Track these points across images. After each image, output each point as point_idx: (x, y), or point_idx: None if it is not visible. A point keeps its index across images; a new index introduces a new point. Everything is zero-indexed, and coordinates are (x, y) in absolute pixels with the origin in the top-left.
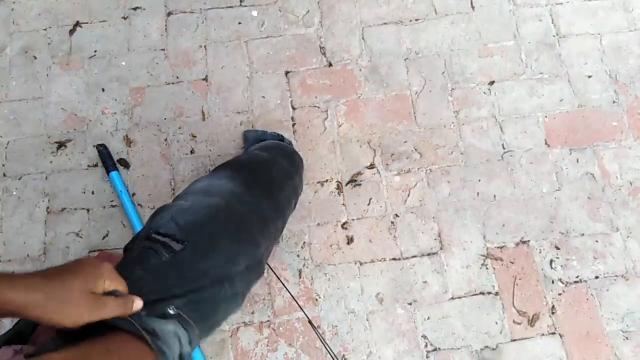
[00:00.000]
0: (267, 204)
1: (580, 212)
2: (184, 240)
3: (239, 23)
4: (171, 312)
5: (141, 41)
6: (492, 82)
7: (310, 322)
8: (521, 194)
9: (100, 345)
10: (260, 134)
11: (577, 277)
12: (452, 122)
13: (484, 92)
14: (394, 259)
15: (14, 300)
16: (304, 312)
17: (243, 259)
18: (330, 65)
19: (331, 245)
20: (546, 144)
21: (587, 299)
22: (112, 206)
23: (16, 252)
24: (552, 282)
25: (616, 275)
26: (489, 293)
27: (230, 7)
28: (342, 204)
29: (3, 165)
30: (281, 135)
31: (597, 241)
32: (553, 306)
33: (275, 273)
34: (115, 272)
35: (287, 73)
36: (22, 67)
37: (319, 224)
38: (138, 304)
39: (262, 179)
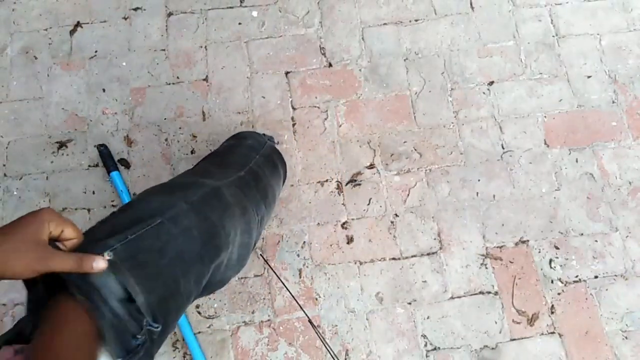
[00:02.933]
0: (206, 167)
1: (580, 212)
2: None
3: (239, 23)
4: (107, 257)
5: (142, 41)
6: (491, 83)
7: (310, 321)
8: (520, 193)
9: (47, 327)
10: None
11: (577, 276)
12: (452, 122)
13: (484, 93)
14: (393, 258)
15: None
16: (304, 311)
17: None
18: (330, 65)
19: (331, 245)
20: (545, 144)
21: (587, 299)
22: (113, 206)
23: None
24: (552, 281)
25: (615, 275)
26: (489, 293)
27: (230, 7)
28: (342, 204)
29: (4, 165)
30: (264, 134)
31: (596, 241)
32: (552, 306)
33: (275, 273)
34: (58, 215)
35: (287, 73)
36: (22, 67)
37: (319, 223)
38: (99, 263)
39: (204, 158)
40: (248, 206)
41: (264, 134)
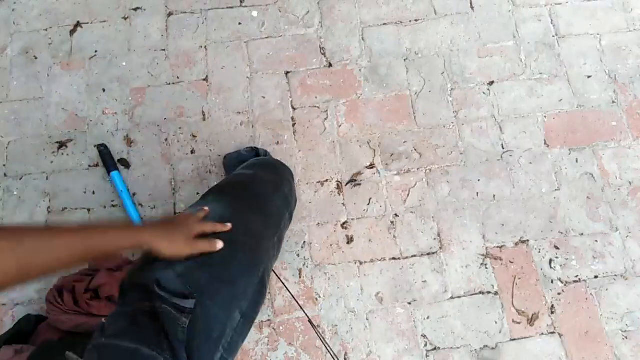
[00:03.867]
0: (257, 221)
1: (580, 212)
2: (190, 293)
3: (240, 24)
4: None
5: (142, 41)
6: (491, 83)
7: (310, 321)
8: (520, 193)
9: None
10: (236, 155)
11: (577, 276)
12: (452, 122)
13: (484, 93)
14: (393, 258)
15: (144, 242)
16: (304, 311)
17: (243, 282)
18: (330, 65)
19: (331, 245)
20: (545, 144)
21: (587, 299)
22: (113, 206)
23: None
24: (552, 281)
25: (615, 275)
26: (489, 293)
27: (230, 7)
28: (342, 204)
29: (4, 165)
30: (255, 148)
31: (596, 241)
32: (552, 306)
33: (275, 273)
34: (201, 221)
35: (287, 73)
36: (23, 67)
37: (319, 223)
38: (219, 244)
39: (247, 197)
40: (267, 283)
41: (256, 149)
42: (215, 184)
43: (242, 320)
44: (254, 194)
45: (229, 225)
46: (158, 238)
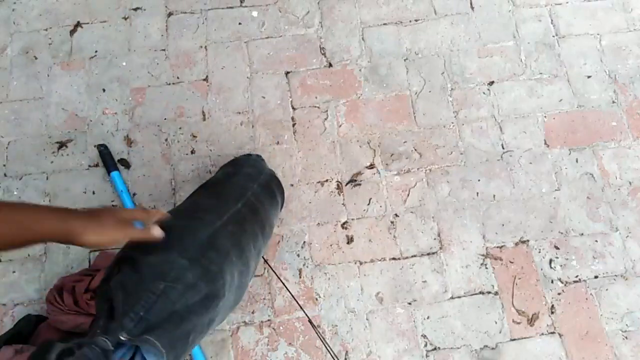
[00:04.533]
0: (211, 198)
1: (580, 212)
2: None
3: (240, 24)
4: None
5: (142, 41)
6: (491, 83)
7: (310, 321)
8: (520, 193)
9: None
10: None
11: (577, 276)
12: (452, 122)
13: (484, 93)
14: (393, 258)
15: (72, 227)
16: (304, 311)
17: (184, 243)
18: (330, 65)
19: (331, 245)
20: (545, 144)
21: (587, 299)
22: (113, 206)
23: (17, 252)
24: (552, 281)
25: (615, 275)
26: (489, 293)
27: (230, 7)
28: (342, 204)
29: (4, 165)
30: (249, 154)
31: (596, 241)
32: (552, 306)
33: (275, 273)
34: (137, 210)
35: (287, 73)
36: (23, 67)
37: (319, 223)
38: (156, 231)
39: (204, 187)
40: (245, 245)
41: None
42: None
43: (189, 263)
44: (209, 184)
45: (163, 211)
46: (86, 224)
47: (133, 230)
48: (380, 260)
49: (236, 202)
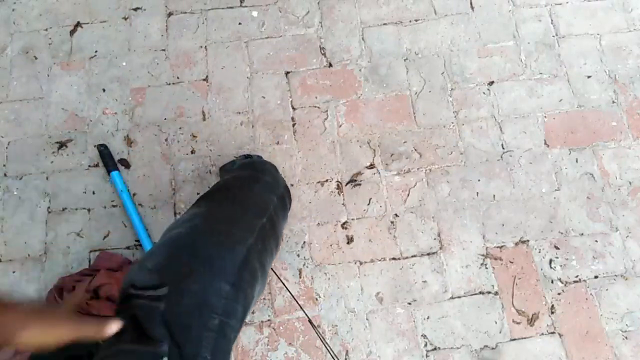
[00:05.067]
0: (233, 209)
1: (580, 212)
2: (161, 283)
3: (240, 24)
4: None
5: (142, 41)
6: (491, 83)
7: (310, 321)
8: (520, 193)
9: None
10: (230, 165)
11: (577, 276)
12: (452, 122)
13: (484, 93)
14: (393, 258)
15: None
16: (304, 311)
17: (220, 261)
18: (330, 65)
19: (331, 245)
20: (545, 144)
21: (587, 299)
22: (113, 206)
23: (17, 252)
24: (552, 281)
25: (615, 275)
26: (489, 293)
27: (230, 7)
28: (342, 204)
29: (4, 165)
30: (249, 156)
31: (596, 241)
32: (552, 306)
33: (275, 273)
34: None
35: (287, 73)
36: (23, 67)
37: (319, 223)
38: (112, 326)
39: (224, 195)
40: (266, 264)
41: (249, 155)
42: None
43: (232, 289)
44: (230, 189)
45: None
46: (24, 320)
47: (88, 323)
48: (380, 260)
49: (261, 216)
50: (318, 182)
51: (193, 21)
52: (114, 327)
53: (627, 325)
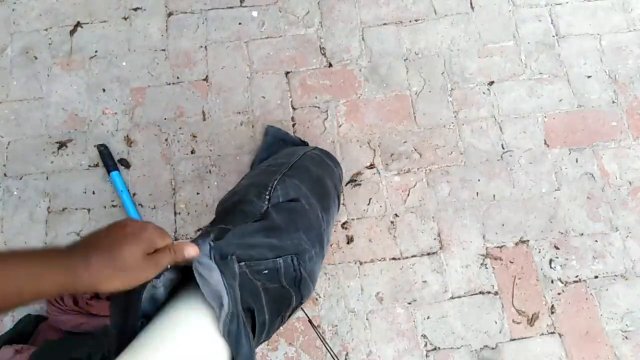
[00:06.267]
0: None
1: (580, 212)
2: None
3: (240, 23)
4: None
5: (142, 41)
6: (491, 83)
7: (310, 321)
8: (520, 193)
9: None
10: (283, 134)
11: (577, 276)
12: (452, 122)
13: (484, 93)
14: (393, 258)
15: (77, 276)
16: (304, 311)
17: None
18: (330, 65)
19: (331, 245)
20: (545, 144)
21: (587, 299)
22: (113, 206)
23: None
24: (552, 281)
25: (615, 275)
26: (489, 292)
27: (230, 7)
28: (342, 204)
29: (4, 165)
30: (302, 141)
31: (596, 241)
32: (552, 306)
33: None
34: (159, 229)
35: (287, 73)
36: (22, 67)
37: None
38: (190, 250)
39: (318, 188)
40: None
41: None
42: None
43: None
44: (321, 186)
45: (194, 249)
46: (102, 269)
47: (164, 258)
48: (380, 260)
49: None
50: None
51: (193, 21)
52: (192, 251)
53: (627, 325)
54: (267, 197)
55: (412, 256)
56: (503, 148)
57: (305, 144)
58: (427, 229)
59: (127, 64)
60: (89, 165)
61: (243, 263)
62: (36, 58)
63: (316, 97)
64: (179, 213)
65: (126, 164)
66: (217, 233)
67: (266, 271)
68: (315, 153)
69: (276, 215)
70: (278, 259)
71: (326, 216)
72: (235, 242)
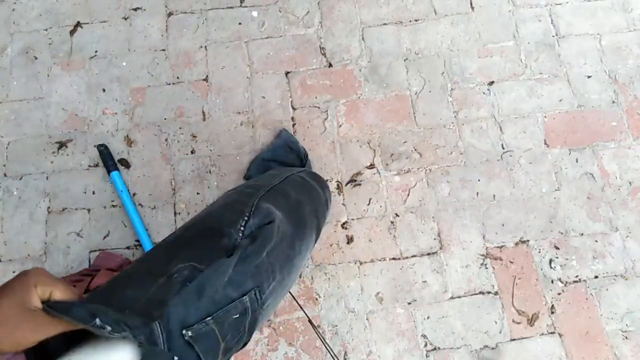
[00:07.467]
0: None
1: (580, 212)
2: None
3: (240, 24)
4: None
5: (142, 41)
6: (491, 83)
7: (310, 321)
8: (520, 193)
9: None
10: (293, 141)
11: (577, 276)
12: (452, 122)
13: (484, 93)
14: (393, 258)
15: None
16: (304, 311)
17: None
18: (330, 65)
19: (331, 245)
20: (545, 144)
21: (587, 299)
22: (113, 206)
23: (17, 252)
24: (552, 281)
25: (615, 275)
26: (489, 293)
27: (230, 7)
28: (342, 204)
29: (4, 165)
30: (304, 155)
31: (596, 241)
32: (552, 306)
33: None
34: (46, 275)
35: (287, 73)
36: (23, 67)
37: None
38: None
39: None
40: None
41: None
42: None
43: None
44: (298, 212)
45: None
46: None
47: (57, 320)
48: (380, 260)
49: (313, 229)
50: None
51: (193, 21)
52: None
53: (627, 325)
54: (242, 228)
55: (412, 256)
56: (503, 148)
57: (305, 157)
58: (427, 229)
59: (127, 64)
60: (89, 165)
61: (210, 318)
62: (36, 58)
63: (316, 97)
64: (179, 213)
65: (126, 164)
66: (187, 274)
67: (236, 316)
68: (300, 176)
69: (248, 248)
70: (244, 297)
71: (299, 244)
72: (203, 306)
